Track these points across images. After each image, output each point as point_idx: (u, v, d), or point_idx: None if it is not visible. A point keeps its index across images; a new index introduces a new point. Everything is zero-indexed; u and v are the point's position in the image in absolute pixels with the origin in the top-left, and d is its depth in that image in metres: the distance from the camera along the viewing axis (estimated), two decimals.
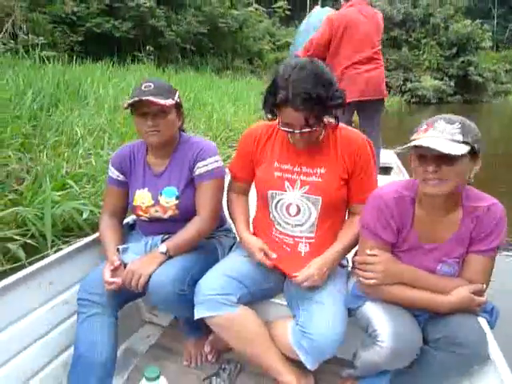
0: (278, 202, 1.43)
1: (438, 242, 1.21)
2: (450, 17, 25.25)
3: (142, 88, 1.40)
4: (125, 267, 1.39)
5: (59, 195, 2.71)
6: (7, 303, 1.32)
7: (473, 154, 1.06)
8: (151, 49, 13.73)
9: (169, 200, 1.50)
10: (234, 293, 1.35)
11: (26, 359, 1.37)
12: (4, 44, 7.89)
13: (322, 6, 4.24)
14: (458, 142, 1.03)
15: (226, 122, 6.99)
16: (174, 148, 1.54)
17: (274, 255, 1.41)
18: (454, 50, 24.36)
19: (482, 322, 1.17)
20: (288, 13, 23.29)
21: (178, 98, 1.51)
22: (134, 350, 1.78)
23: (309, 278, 1.31)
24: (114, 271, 1.40)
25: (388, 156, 3.90)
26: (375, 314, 1.20)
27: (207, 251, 1.56)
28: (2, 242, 2.36)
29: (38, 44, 7.55)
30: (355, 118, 3.35)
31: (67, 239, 2.59)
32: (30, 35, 8.83)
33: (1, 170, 2.89)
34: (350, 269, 1.52)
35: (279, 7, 23.27)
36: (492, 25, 33.92)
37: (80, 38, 12.66)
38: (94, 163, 3.42)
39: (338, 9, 3.29)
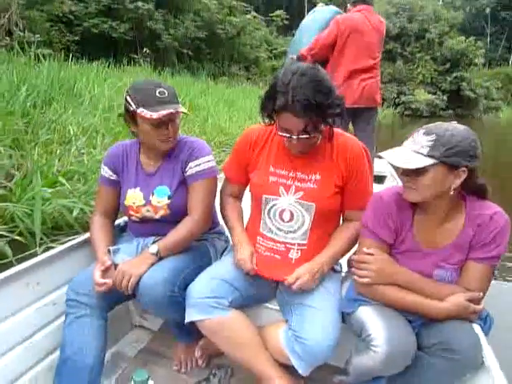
0: (271, 207, 1.41)
1: (437, 247, 1.21)
2: (445, 33, 25.64)
3: (157, 95, 1.34)
4: (115, 268, 1.36)
5: (50, 192, 2.67)
6: None
7: (450, 166, 1.06)
8: (148, 51, 13.70)
9: (160, 200, 1.48)
10: (225, 296, 1.32)
11: (11, 361, 1.32)
12: None
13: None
14: (422, 154, 1.06)
15: (221, 126, 7.00)
16: None
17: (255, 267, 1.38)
18: (448, 66, 24.68)
19: (477, 328, 1.16)
20: (286, 22, 23.53)
21: None
22: (123, 353, 1.73)
23: (298, 278, 1.29)
24: (105, 272, 1.36)
25: (382, 165, 3.90)
26: (369, 318, 1.19)
27: (200, 253, 1.54)
28: None
29: (33, 41, 7.49)
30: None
31: (56, 237, 2.54)
32: (25, 32, 8.75)
33: None
34: (343, 274, 1.51)
35: (277, 16, 23.51)
36: (485, 42, 34.68)
37: (76, 38, 12.61)
38: (86, 162, 3.38)
39: (344, 11, 3.30)
